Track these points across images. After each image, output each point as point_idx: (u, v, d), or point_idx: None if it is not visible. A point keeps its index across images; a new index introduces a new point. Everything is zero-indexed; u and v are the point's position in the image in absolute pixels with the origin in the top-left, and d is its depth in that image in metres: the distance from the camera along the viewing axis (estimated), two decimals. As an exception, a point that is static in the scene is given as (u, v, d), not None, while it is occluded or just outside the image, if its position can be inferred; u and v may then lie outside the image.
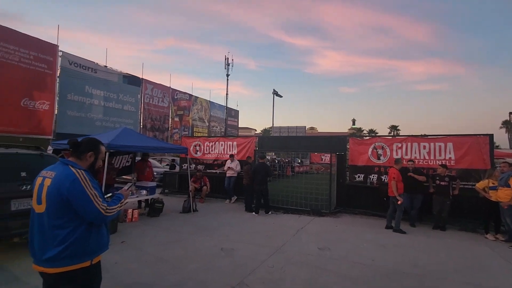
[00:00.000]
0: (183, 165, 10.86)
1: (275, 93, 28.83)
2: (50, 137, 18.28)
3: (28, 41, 18.56)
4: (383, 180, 7.83)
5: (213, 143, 10.72)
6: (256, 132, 68.94)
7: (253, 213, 7.70)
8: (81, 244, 1.87)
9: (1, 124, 16.95)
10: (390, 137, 9.10)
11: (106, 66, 24.07)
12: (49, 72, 19.77)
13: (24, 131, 17.85)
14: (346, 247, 5.06)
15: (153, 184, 7.25)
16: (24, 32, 18.92)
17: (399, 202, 6.05)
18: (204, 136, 16.02)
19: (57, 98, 20.16)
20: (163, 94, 30.33)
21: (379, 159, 8.08)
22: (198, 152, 10.80)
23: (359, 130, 55.93)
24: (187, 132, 31.73)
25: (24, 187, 3.99)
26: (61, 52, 20.50)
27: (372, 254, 4.76)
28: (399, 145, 7.90)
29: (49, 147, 7.02)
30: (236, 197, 9.34)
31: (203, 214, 7.43)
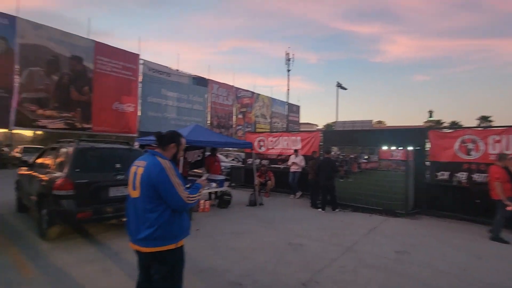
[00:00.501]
0: (248, 160, 11.20)
1: (339, 85, 27.41)
2: (135, 135, 21.06)
3: (117, 53, 21.70)
4: (474, 179, 6.71)
5: (277, 138, 10.77)
6: (317, 127, 67.00)
7: (319, 209, 7.48)
8: (167, 228, 2.04)
9: (100, 124, 20.26)
10: (483, 129, 7.70)
11: (177, 70, 26.48)
12: (133, 79, 22.76)
13: (116, 130, 20.97)
14: (429, 253, 4.49)
15: (222, 177, 7.67)
16: (114, 46, 22.11)
17: (509, 208, 5.01)
18: (267, 132, 16.19)
19: (140, 101, 23.13)
20: (227, 93, 31.91)
21: (469, 154, 6.94)
22: (262, 147, 10.99)
23: (438, 122, 49.00)
24: (250, 129, 32.77)
25: (119, 177, 4.63)
26: (142, 60, 23.37)
27: (462, 263, 4.12)
28: (497, 138, 6.62)
29: (135, 143, 8.04)
30: (301, 193, 9.22)
31: (269, 208, 7.53)
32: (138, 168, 2.12)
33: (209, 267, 3.70)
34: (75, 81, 19.37)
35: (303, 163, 9.22)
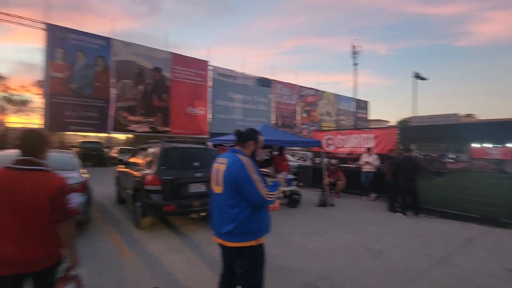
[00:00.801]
0: (316, 159, 10.88)
1: (417, 76, 24.48)
2: (206, 136, 22.67)
3: (189, 61, 23.72)
4: None
5: (347, 136, 10.17)
6: (389, 124, 61.23)
7: (399, 213, 6.76)
8: (247, 224, 2.06)
9: (177, 127, 22.47)
10: None
11: (242, 73, 27.51)
12: (203, 84, 24.53)
13: (189, 132, 22.91)
14: (556, 275, 3.58)
15: (291, 176, 7.60)
16: (186, 55, 24.22)
17: None
18: (335, 130, 15.46)
19: (209, 104, 24.84)
20: (291, 92, 31.74)
21: None
22: (331, 146, 10.52)
23: (554, 113, 39.32)
24: (315, 127, 31.93)
25: (197, 174, 4.98)
26: (211, 66, 25.04)
27: None
28: None
29: (209, 143, 8.59)
30: (376, 194, 8.50)
31: (340, 209, 7.15)
32: (220, 165, 2.20)
33: (282, 266, 3.66)
34: (156, 89, 21.91)
35: (377, 162, 8.49)
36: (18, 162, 1.77)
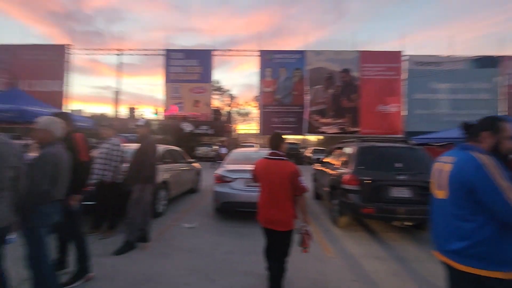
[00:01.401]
0: None
1: None
2: (400, 135, 20.16)
3: (379, 56, 22.13)
4: None
5: None
6: None
7: None
8: (491, 247, 1.51)
9: (366, 127, 21.66)
10: None
11: (450, 56, 22.12)
12: (396, 77, 22.03)
13: (381, 132, 21.28)
14: None
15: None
16: (376, 50, 22.78)
17: None
18: None
19: (404, 100, 21.95)
20: (538, 68, 21.80)
21: None
22: None
23: None
24: None
25: (400, 177, 4.39)
26: (407, 56, 22.07)
27: None
28: None
29: (411, 142, 7.46)
30: None
31: None
32: (444, 164, 1.75)
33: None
34: (345, 91, 22.17)
35: None
36: (270, 154, 2.66)
